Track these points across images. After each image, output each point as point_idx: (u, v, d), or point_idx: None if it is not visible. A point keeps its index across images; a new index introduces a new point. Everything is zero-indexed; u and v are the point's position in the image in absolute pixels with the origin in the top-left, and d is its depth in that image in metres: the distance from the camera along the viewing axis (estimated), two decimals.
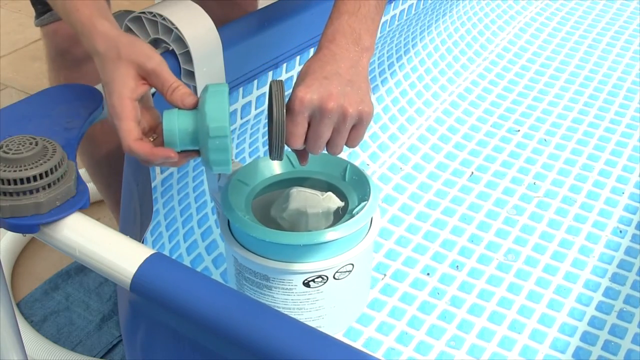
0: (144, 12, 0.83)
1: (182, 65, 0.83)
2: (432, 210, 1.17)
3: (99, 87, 0.77)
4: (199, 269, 1.02)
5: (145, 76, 0.69)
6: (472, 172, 1.25)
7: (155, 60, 0.68)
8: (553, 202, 1.18)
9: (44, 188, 0.61)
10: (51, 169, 0.62)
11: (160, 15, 0.81)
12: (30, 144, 0.63)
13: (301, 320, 0.58)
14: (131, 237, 0.63)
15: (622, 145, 1.31)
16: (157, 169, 0.88)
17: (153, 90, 0.71)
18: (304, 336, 0.55)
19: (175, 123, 0.67)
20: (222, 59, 0.86)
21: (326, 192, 0.86)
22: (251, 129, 1.04)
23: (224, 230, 0.86)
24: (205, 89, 0.69)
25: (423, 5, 1.29)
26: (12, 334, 0.71)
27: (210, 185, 0.87)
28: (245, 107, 0.97)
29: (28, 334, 1.22)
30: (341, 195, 0.86)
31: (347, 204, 0.86)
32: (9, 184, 0.61)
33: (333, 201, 0.85)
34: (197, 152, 0.70)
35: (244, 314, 0.56)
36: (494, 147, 1.31)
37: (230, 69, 0.87)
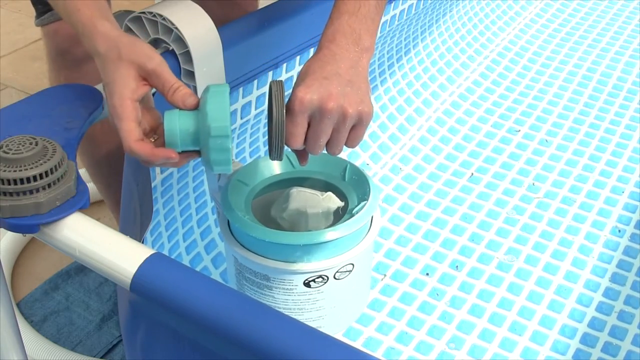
0: (144, 12, 0.83)
1: (182, 65, 0.83)
2: (432, 210, 1.17)
3: (99, 87, 0.77)
4: (198, 269, 1.02)
5: (146, 77, 0.69)
6: (472, 173, 1.25)
7: (155, 61, 0.68)
8: (552, 202, 1.18)
9: (44, 188, 0.62)
10: (51, 169, 0.62)
11: (160, 15, 0.81)
12: (30, 144, 0.63)
13: (301, 320, 0.58)
14: (131, 237, 0.63)
15: (622, 147, 1.31)
16: (157, 169, 0.88)
17: (153, 90, 0.71)
18: (304, 336, 0.55)
19: (177, 123, 0.68)
20: (222, 59, 0.86)
21: (326, 192, 0.86)
22: (251, 129, 1.04)
23: (224, 230, 0.86)
24: (207, 89, 0.69)
25: (423, 5, 1.29)
26: (12, 334, 0.71)
27: (210, 185, 0.87)
28: (245, 107, 0.97)
29: (28, 334, 1.22)
30: (341, 195, 0.86)
31: (347, 203, 0.86)
32: (9, 184, 0.61)
33: (333, 201, 0.85)
34: (198, 153, 0.70)
35: (244, 314, 0.56)
36: (494, 148, 1.31)
37: (230, 69, 0.87)
